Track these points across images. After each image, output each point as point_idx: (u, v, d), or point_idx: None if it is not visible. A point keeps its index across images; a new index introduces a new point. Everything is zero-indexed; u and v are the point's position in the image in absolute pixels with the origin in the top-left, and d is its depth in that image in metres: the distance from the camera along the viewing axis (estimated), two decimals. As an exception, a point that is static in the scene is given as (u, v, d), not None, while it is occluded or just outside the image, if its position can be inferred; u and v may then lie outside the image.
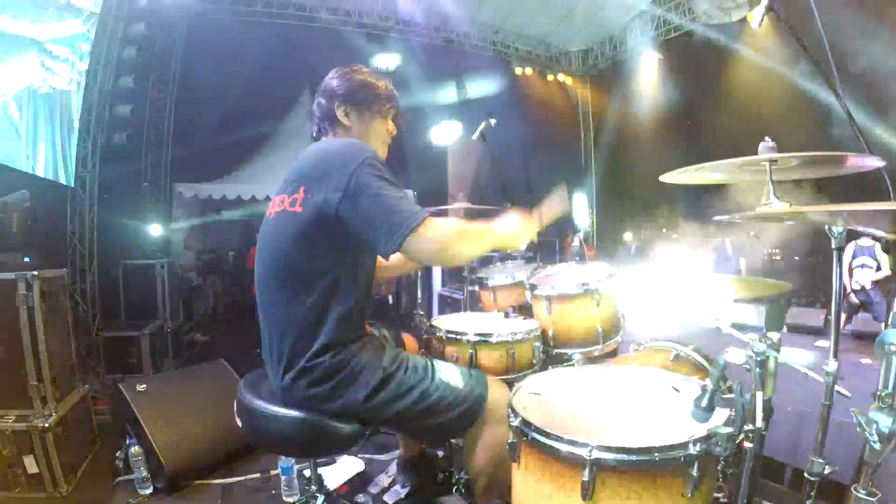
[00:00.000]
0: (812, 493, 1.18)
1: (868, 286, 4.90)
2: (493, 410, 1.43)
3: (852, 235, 4.76)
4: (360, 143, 1.45)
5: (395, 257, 1.33)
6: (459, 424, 1.44)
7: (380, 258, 1.43)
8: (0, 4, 3.63)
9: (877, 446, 0.86)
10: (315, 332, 1.37)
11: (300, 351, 1.38)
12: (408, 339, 2.01)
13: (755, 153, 1.33)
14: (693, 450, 1.00)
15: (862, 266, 4.95)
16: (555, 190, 1.76)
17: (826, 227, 1.17)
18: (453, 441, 1.97)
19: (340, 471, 2.49)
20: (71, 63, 4.43)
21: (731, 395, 1.06)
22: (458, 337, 1.90)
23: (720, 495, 1.26)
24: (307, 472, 2.32)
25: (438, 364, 1.49)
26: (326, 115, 1.57)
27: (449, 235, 1.33)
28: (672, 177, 1.49)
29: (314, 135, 1.62)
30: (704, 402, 1.05)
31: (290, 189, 1.39)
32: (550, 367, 1.67)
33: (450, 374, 1.46)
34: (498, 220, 1.54)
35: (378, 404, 1.38)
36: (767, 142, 1.33)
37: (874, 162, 1.28)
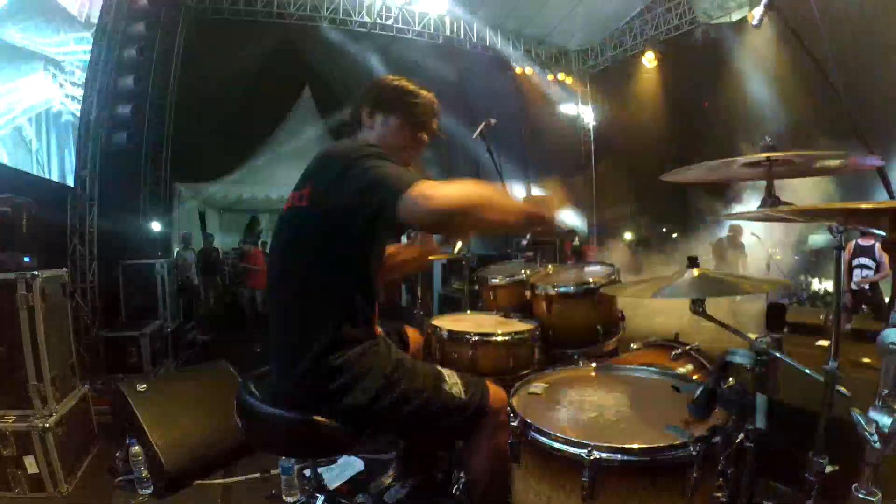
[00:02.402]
0: (812, 493, 1.17)
1: (867, 285, 4.89)
2: (493, 416, 1.43)
3: (853, 234, 4.76)
4: (368, 141, 1.45)
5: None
6: (460, 432, 1.45)
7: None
8: (7, 15, 3.59)
9: (877, 446, 0.85)
10: (320, 332, 1.37)
11: (304, 350, 1.37)
12: (411, 332, 2.00)
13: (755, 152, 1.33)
14: (693, 450, 1.00)
15: (861, 266, 4.94)
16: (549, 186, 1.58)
17: (826, 226, 1.17)
18: (453, 441, 1.97)
19: (340, 471, 2.48)
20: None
21: (733, 395, 1.06)
22: (459, 337, 1.90)
23: (720, 495, 1.26)
24: (307, 472, 2.32)
25: (442, 371, 1.49)
26: (354, 114, 1.61)
27: (452, 194, 1.16)
28: (673, 176, 1.49)
29: (342, 133, 1.69)
30: (704, 401, 1.05)
31: (301, 185, 1.41)
32: (550, 366, 1.67)
33: (452, 383, 1.45)
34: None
35: (380, 410, 1.37)
36: (767, 141, 1.33)
37: (874, 161, 1.28)
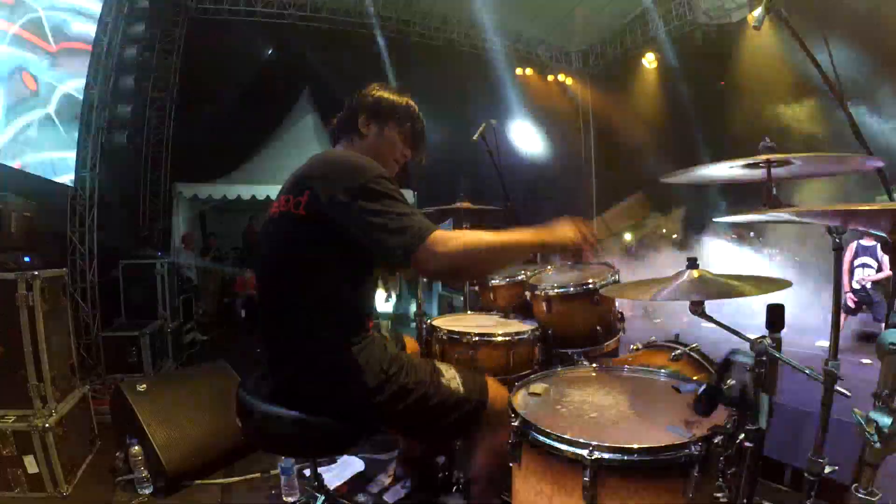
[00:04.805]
0: (812, 493, 1.18)
1: (868, 286, 4.89)
2: (492, 413, 1.43)
3: (855, 235, 4.75)
4: (371, 159, 1.45)
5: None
6: (459, 428, 1.45)
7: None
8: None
9: (877, 446, 0.85)
10: (316, 331, 1.38)
11: (301, 349, 1.38)
12: (408, 339, 2.01)
13: (755, 153, 1.33)
14: (694, 450, 1.00)
15: (863, 266, 4.95)
16: (631, 197, 1.69)
17: (826, 227, 1.17)
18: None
19: (340, 471, 2.49)
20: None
21: (734, 394, 1.06)
22: (459, 337, 1.90)
23: (720, 495, 1.26)
24: (307, 472, 2.32)
25: (440, 367, 1.50)
26: (348, 120, 1.62)
27: (459, 248, 1.23)
28: (673, 177, 1.49)
29: (331, 133, 1.67)
30: (708, 399, 1.05)
31: (296, 191, 1.39)
32: (550, 367, 1.67)
33: (451, 378, 1.46)
34: (540, 227, 1.41)
35: (378, 405, 1.38)
36: (766, 142, 1.33)
37: (875, 163, 1.28)
